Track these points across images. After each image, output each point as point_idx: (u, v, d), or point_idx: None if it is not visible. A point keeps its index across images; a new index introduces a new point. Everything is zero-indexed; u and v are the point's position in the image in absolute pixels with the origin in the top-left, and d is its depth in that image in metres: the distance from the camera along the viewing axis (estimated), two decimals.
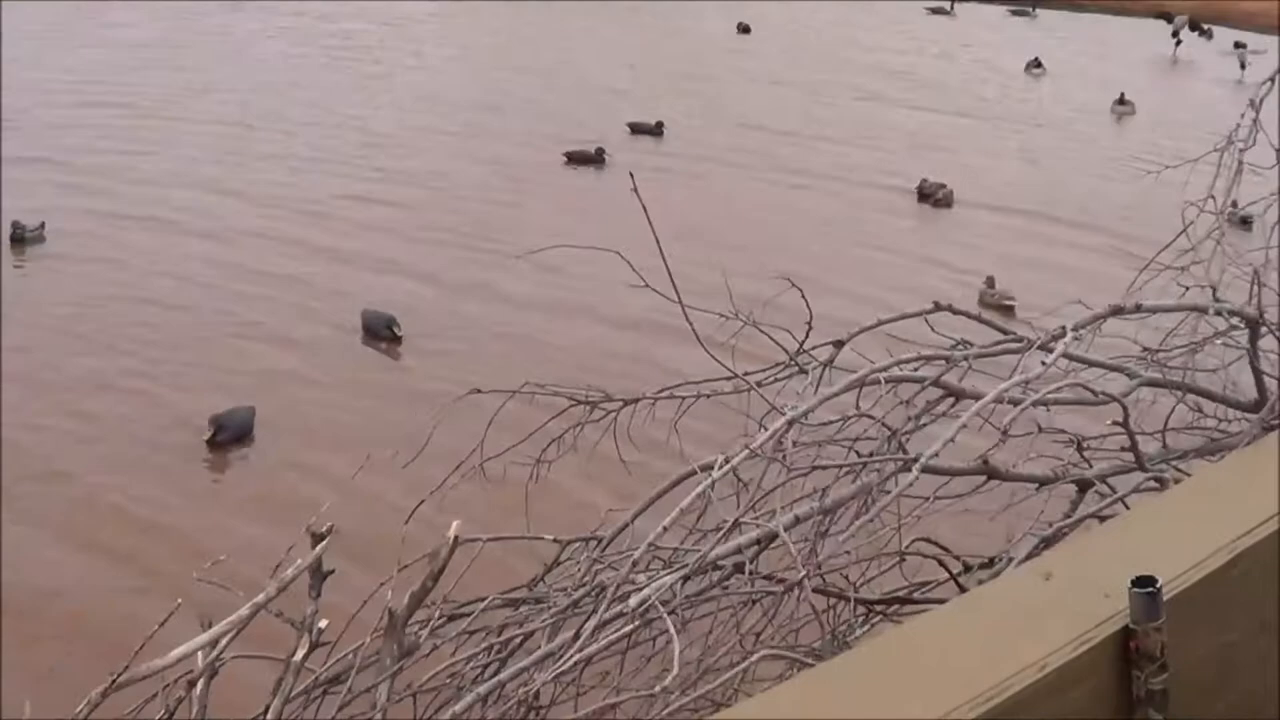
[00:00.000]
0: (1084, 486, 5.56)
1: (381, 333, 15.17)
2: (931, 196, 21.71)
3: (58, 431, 12.90)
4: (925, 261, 18.99)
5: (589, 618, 3.54)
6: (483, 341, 15.54)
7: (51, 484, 11.97)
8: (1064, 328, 4.40)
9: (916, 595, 5.37)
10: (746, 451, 3.70)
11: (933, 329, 5.32)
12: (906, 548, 5.21)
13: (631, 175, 4.16)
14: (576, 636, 3.51)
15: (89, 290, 16.73)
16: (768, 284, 5.74)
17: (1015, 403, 4.03)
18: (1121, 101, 30.05)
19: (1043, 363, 4.13)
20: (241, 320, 15.93)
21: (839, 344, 5.06)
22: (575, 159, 23.90)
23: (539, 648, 4.06)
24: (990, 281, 16.43)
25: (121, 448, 12.65)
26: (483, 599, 4.38)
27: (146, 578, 10.38)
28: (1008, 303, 15.14)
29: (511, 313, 16.51)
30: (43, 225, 18.46)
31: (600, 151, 23.74)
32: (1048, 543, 5.23)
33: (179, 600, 3.64)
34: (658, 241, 4.07)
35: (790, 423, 3.76)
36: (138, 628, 3.75)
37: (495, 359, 14.64)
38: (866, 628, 5.14)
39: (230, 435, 12.57)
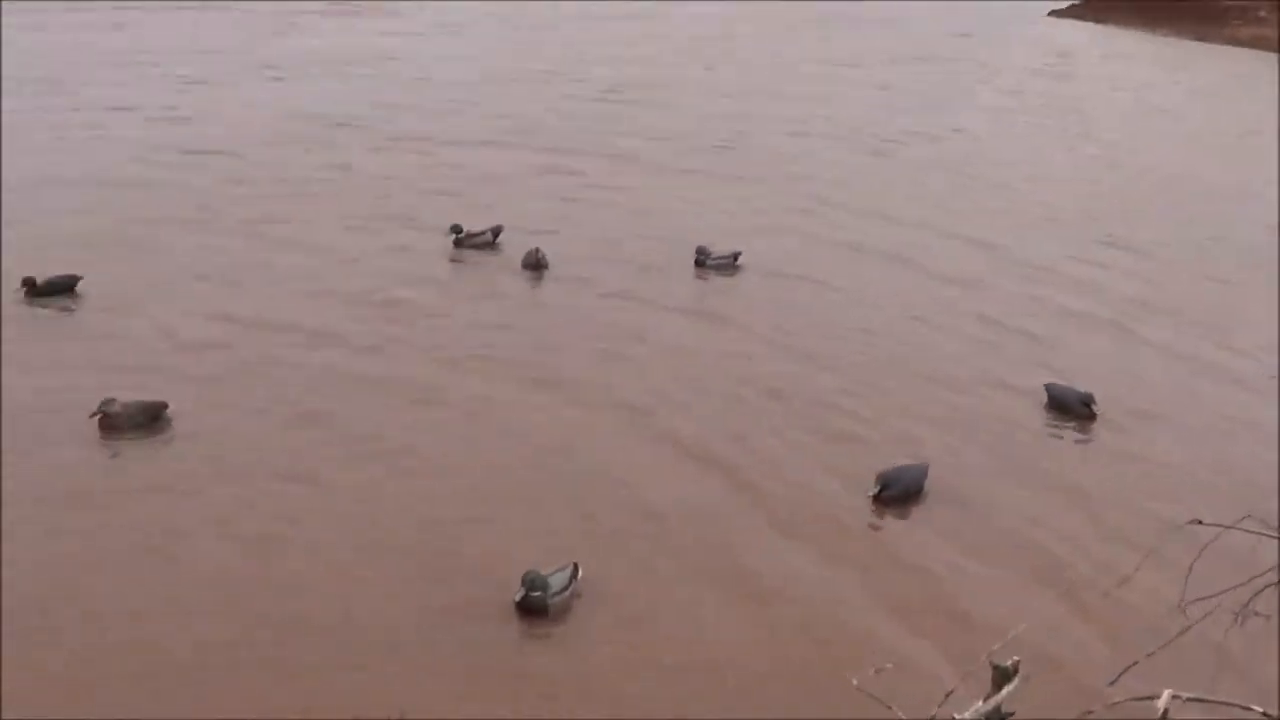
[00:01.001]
0: None
1: (1076, 409, 14.04)
2: None
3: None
4: None
5: None
6: (1189, 433, 14.09)
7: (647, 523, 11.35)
8: None
9: None
10: None
11: None
12: None
13: None
14: None
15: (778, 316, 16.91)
16: None
17: None
18: None
19: None
20: (937, 366, 15.47)
21: None
22: None
23: None
24: None
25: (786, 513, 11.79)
26: None
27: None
28: None
29: (1226, 409, 14.93)
30: (736, 256, 18.80)
31: None
32: None
33: None
34: None
35: None
36: None
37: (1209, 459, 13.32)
38: None
39: (896, 493, 11.92)
